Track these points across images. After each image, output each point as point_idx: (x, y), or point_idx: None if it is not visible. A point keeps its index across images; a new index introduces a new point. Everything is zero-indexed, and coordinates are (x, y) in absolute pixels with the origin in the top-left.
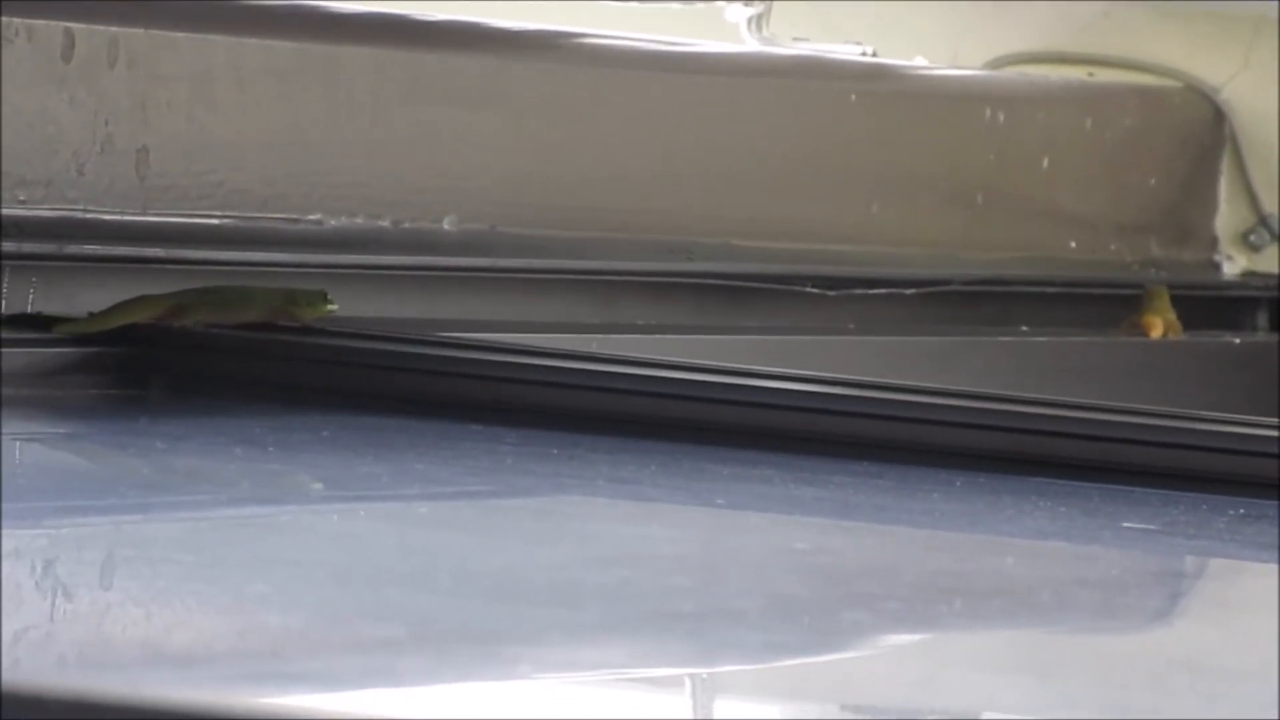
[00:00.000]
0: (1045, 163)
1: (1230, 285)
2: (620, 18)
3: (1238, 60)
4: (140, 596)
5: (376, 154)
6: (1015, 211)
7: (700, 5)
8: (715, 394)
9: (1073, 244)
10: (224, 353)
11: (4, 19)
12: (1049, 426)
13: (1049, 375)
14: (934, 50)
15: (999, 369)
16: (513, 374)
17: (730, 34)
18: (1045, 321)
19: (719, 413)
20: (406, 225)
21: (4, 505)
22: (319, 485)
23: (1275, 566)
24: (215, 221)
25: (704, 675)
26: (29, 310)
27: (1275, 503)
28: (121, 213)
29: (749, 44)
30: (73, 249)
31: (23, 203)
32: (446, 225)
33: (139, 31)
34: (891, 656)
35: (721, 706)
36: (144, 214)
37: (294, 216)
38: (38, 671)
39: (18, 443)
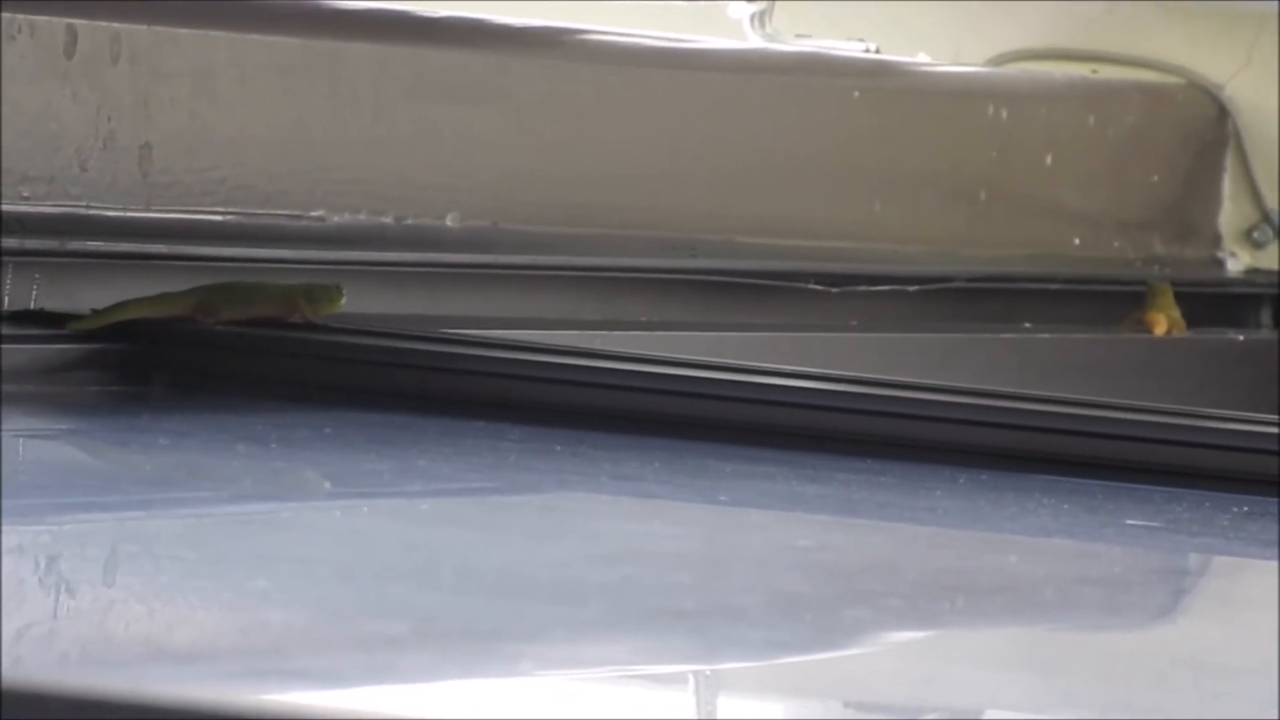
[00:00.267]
0: (1048, 160)
1: (1233, 282)
2: (623, 14)
3: (1241, 57)
4: (143, 593)
5: (379, 150)
6: (1018, 208)
7: (703, 2)
8: (718, 391)
9: (1076, 241)
10: (226, 349)
11: (7, 15)
12: (1052, 424)
13: (1052, 372)
14: (937, 47)
15: (1002, 366)
16: (515, 370)
17: (733, 31)
18: (1048, 318)
19: (722, 410)
20: (409, 222)
21: (7, 502)
22: (327, 483)
23: (1278, 564)
24: (218, 218)
25: (707, 672)
26: (32, 306)
27: (1278, 500)
28: (124, 209)
29: (752, 41)
30: (75, 245)
31: (26, 199)
32: (449, 222)
33: (141, 28)
34: (894, 654)
35: (724, 703)
36: (147, 210)
37: (297, 213)
38: (40, 669)
39: (20, 439)
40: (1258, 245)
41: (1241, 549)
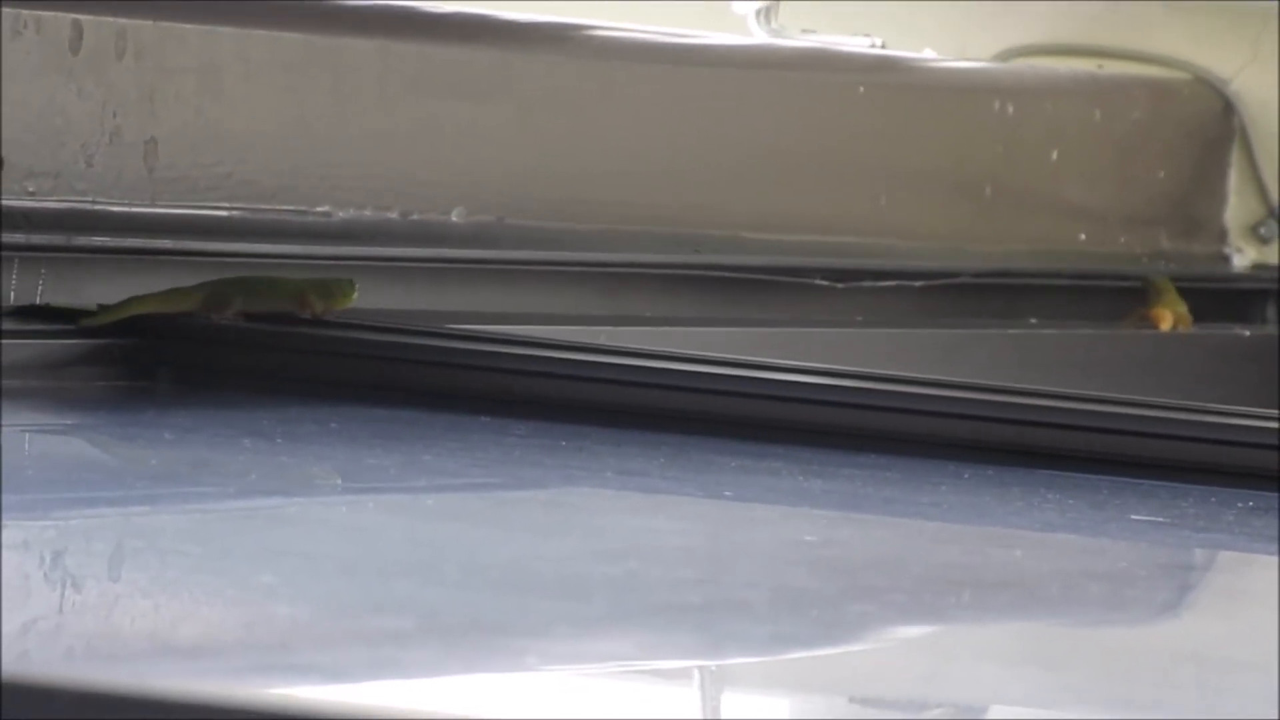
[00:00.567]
0: (1054, 155)
1: (1239, 278)
2: (628, 10)
3: (1246, 52)
4: (148, 588)
5: (385, 146)
6: (1024, 204)
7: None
8: (723, 386)
9: (1081, 236)
10: (231, 345)
11: (13, 10)
12: (1057, 419)
13: (1057, 367)
14: (942, 42)
15: (1007, 361)
16: (521, 366)
17: (738, 26)
18: (1054, 314)
19: (727, 405)
20: (415, 217)
21: (13, 497)
22: (333, 479)
23: None
24: (223, 213)
25: (712, 667)
26: (38, 302)
27: None
28: (130, 204)
29: (757, 36)
30: (81, 240)
31: (31, 194)
32: (455, 217)
33: (147, 23)
34: (900, 649)
35: (729, 699)
36: (152, 205)
37: (302, 208)
38: (46, 663)
39: (26, 434)
40: (1263, 240)
41: (1246, 544)
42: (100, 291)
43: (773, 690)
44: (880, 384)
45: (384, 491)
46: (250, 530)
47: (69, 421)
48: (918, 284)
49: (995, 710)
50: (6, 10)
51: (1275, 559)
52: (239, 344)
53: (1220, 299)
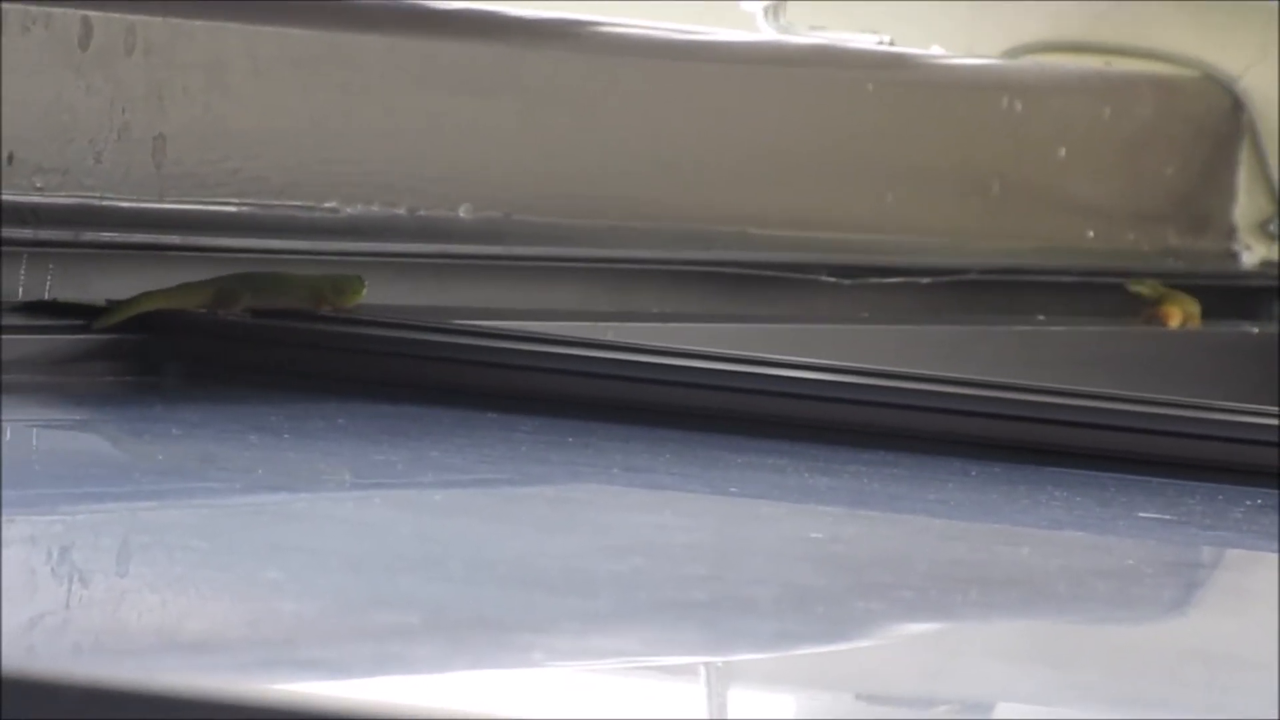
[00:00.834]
0: (1062, 152)
1: (1248, 275)
2: (635, 6)
3: (1255, 49)
4: (155, 583)
5: (392, 142)
6: (1031, 201)
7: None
8: (730, 382)
9: (1090, 233)
10: (239, 340)
11: (22, 7)
12: (1064, 416)
13: (1065, 365)
14: (951, 39)
15: (1015, 358)
16: (528, 362)
17: (746, 23)
18: (1061, 311)
19: (733, 401)
20: (422, 213)
21: (20, 492)
22: (340, 474)
23: None
24: (232, 209)
25: (718, 664)
26: (46, 297)
27: None
28: (138, 200)
29: (765, 33)
30: (89, 236)
31: (40, 190)
32: (462, 213)
33: (156, 20)
34: (906, 646)
35: (735, 695)
36: (160, 201)
37: (310, 204)
38: (53, 658)
39: (34, 429)
40: (1272, 238)
41: (1254, 542)
42: (108, 287)
43: (779, 687)
44: (887, 381)
45: (391, 487)
46: (257, 526)
47: (76, 417)
48: (925, 281)
49: (1002, 707)
50: (16, 6)
51: None
52: (246, 340)
53: (1228, 296)
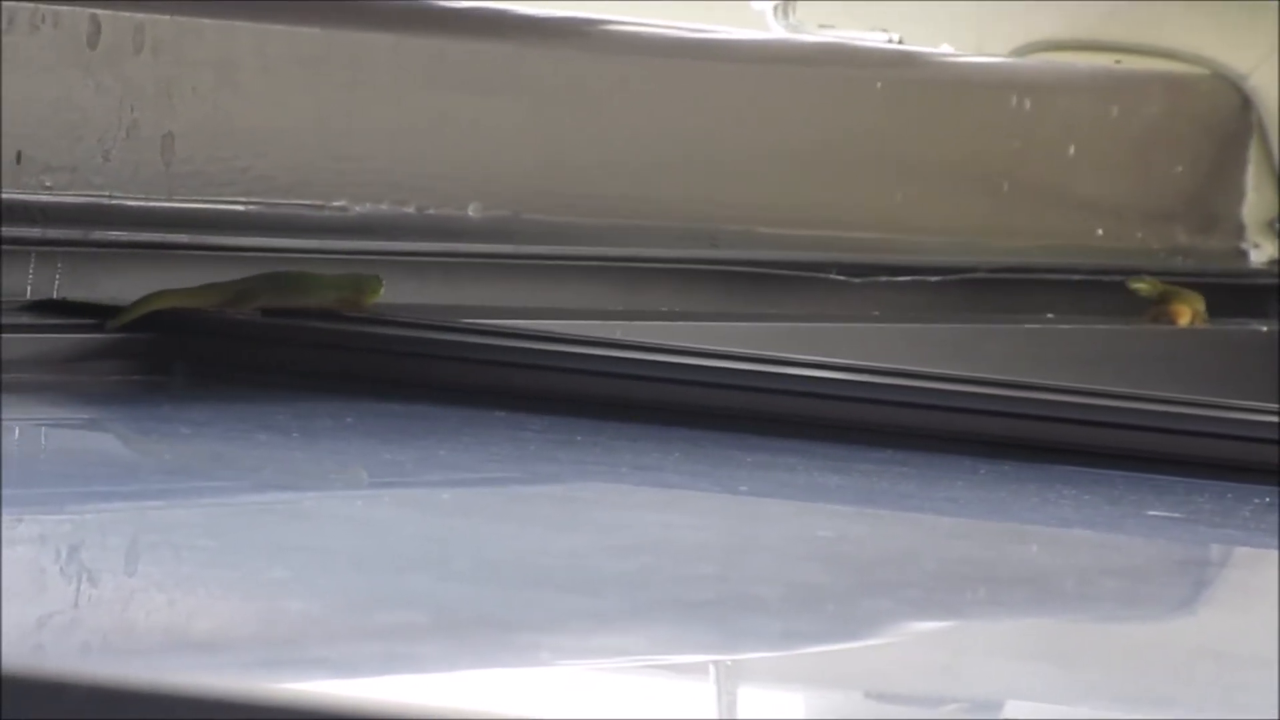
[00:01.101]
0: (1071, 150)
1: (1257, 273)
2: (644, 4)
3: (1265, 47)
4: (163, 582)
5: (401, 140)
6: (1041, 199)
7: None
8: (739, 381)
9: (1099, 232)
10: (247, 339)
11: (31, 5)
12: (1073, 414)
13: (1074, 363)
14: (960, 37)
15: (1023, 357)
16: (536, 361)
17: (755, 21)
18: (1071, 309)
19: (743, 400)
20: (431, 211)
21: (28, 491)
22: (349, 473)
23: None
24: (240, 208)
25: (727, 663)
26: (54, 296)
27: None
28: (147, 199)
29: (774, 31)
30: (98, 235)
31: (49, 189)
32: (471, 212)
33: (164, 18)
34: (915, 644)
35: (744, 694)
36: (169, 200)
37: (319, 203)
38: (61, 657)
39: (42, 428)
40: None
41: (1263, 540)
42: (116, 286)
43: (788, 685)
44: (896, 379)
45: (399, 486)
46: (265, 525)
47: (85, 416)
48: (934, 279)
49: (1010, 706)
50: (24, 5)
51: None
52: (255, 339)
53: (1237, 294)
